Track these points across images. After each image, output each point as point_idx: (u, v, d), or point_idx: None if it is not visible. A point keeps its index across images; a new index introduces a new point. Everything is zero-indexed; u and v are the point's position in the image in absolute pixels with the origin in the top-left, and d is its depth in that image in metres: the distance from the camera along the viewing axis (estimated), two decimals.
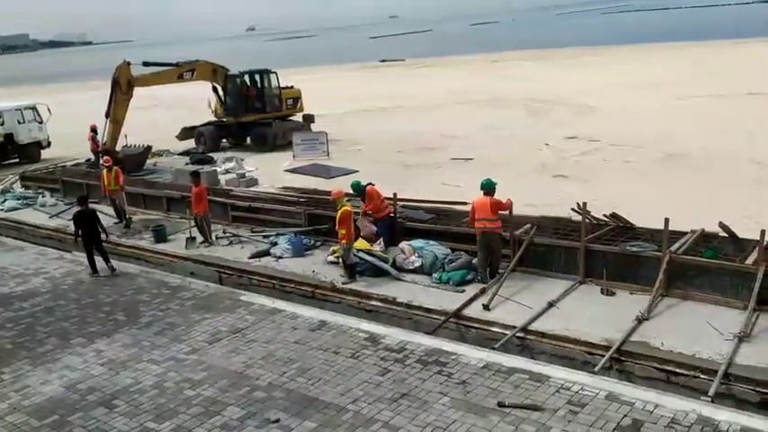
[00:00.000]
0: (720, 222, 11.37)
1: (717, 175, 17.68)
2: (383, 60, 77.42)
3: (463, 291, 11.61)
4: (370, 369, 9.13)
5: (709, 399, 7.96)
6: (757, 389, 8.28)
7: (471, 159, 21.89)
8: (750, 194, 15.43)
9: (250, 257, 14.31)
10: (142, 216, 18.26)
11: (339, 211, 12.59)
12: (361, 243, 13.12)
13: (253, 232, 15.84)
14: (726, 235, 11.37)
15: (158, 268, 14.66)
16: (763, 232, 10.07)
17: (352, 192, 14.07)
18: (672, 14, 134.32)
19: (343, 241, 12.56)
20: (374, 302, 11.86)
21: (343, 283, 12.51)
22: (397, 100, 38.83)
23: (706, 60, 46.04)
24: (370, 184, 13.93)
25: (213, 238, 15.53)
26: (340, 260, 12.96)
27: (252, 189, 19.40)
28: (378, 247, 13.29)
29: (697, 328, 9.57)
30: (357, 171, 20.33)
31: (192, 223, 15.57)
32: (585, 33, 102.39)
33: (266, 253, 14.39)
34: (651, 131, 23.63)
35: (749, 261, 10.28)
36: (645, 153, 20.78)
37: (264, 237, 15.35)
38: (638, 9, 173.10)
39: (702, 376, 8.59)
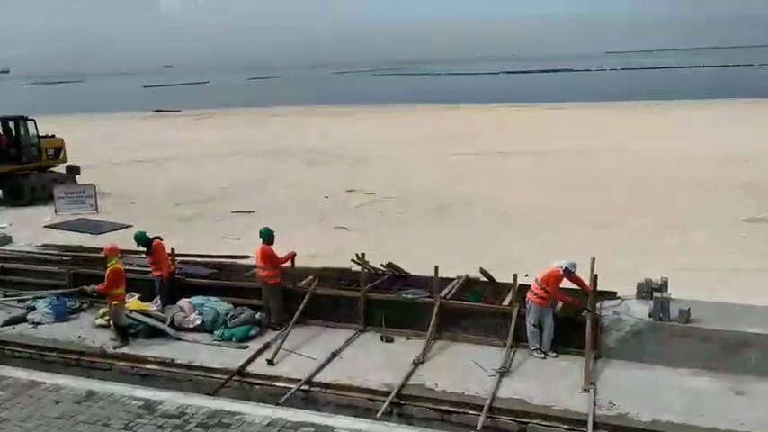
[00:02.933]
0: (481, 268, 12.55)
1: (483, 223, 19.50)
2: (158, 110, 74.55)
3: (246, 347, 11.37)
4: None
5: None
6: (517, 419, 9.16)
7: (252, 212, 21.79)
8: (504, 239, 17.25)
9: (2, 325, 12.69)
10: None
11: (108, 269, 11.71)
12: (134, 303, 12.31)
13: (5, 296, 14.08)
14: (486, 279, 12.56)
15: None
16: (515, 276, 11.30)
17: (135, 244, 13.21)
18: (437, 80, 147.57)
19: (114, 302, 11.68)
20: (150, 366, 11.13)
21: (114, 348, 11.57)
22: (171, 149, 37.59)
23: (472, 119, 51.11)
24: (158, 237, 13.20)
25: None
26: (110, 323, 12.01)
27: (5, 248, 17.29)
28: (154, 306, 12.57)
29: (466, 367, 10.37)
30: (131, 226, 19.14)
31: None
32: (364, 91, 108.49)
33: (22, 319, 12.87)
34: (422, 184, 25.51)
35: (506, 302, 11.46)
36: (417, 204, 22.33)
37: (20, 301, 13.73)
38: (407, 73, 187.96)
39: (471, 412, 9.29)
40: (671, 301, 10.36)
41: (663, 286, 10.93)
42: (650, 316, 10.43)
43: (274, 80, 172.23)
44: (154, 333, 11.88)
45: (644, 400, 9.18)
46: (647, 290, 11.04)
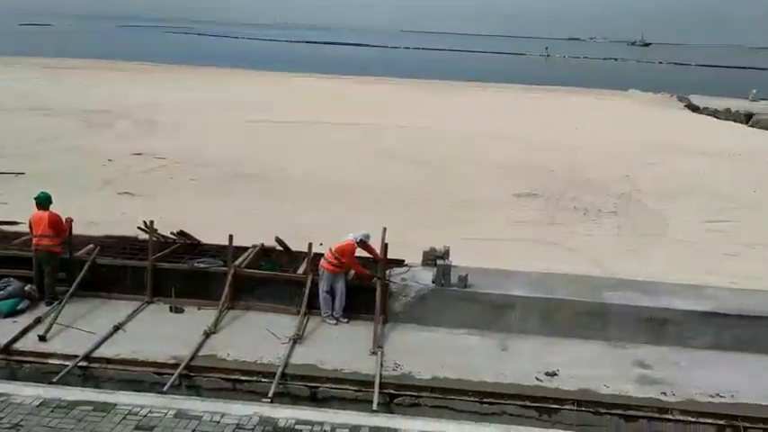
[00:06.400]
0: (276, 237, 12.55)
1: (279, 191, 19.41)
2: None
3: (15, 322, 10.26)
4: None
5: (269, 399, 8.67)
6: (308, 384, 9.38)
7: (23, 174, 19.57)
8: (310, 209, 17.38)
9: None
10: None
11: None
12: None
13: None
14: (281, 248, 12.59)
15: None
16: (310, 245, 11.46)
17: None
18: (233, 43, 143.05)
19: None
20: None
21: None
22: None
23: (276, 87, 50.26)
24: None
25: None
26: None
27: None
28: None
29: (259, 336, 10.35)
30: None
31: None
32: (150, 49, 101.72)
33: None
34: (216, 150, 24.69)
35: (300, 271, 11.59)
36: (212, 171, 21.61)
37: None
38: (201, 33, 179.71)
39: (264, 380, 9.32)
40: (452, 268, 11.20)
41: (445, 254, 11.77)
42: (433, 282, 11.20)
43: (49, 29, 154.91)
44: None
45: (425, 360, 9.87)
46: (431, 258, 11.82)
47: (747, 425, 8.88)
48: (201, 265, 11.70)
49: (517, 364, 9.93)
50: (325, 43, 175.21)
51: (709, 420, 8.96)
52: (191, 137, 27.63)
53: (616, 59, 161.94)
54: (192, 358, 9.57)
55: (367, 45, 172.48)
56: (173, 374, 9.20)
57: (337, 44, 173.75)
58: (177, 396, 8.69)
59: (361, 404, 9.06)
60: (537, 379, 9.53)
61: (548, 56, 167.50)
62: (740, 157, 29.25)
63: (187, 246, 12.69)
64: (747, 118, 42.98)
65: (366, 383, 9.30)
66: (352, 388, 9.36)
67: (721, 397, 9.25)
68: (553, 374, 9.63)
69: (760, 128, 40.10)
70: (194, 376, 9.45)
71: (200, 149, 24.74)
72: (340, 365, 9.63)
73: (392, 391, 9.32)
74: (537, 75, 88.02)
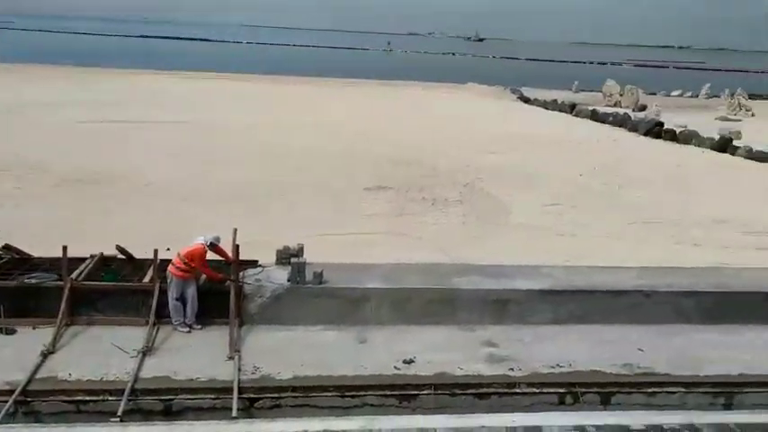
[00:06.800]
0: (117, 245, 11.82)
1: (121, 197, 18.21)
2: None
3: None
4: None
5: (119, 419, 8.17)
6: (161, 398, 8.95)
7: None
8: (146, 214, 16.50)
9: None
10: None
11: None
12: None
13: None
14: (123, 257, 11.88)
15: None
16: (156, 251, 10.92)
17: None
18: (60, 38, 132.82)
19: None
20: None
21: None
22: None
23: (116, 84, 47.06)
24: None
25: None
26: None
27: None
28: None
29: (104, 352, 9.71)
30: None
31: None
32: None
33: None
34: (45, 154, 22.74)
35: (146, 279, 11.01)
36: (38, 177, 19.89)
37: None
38: (22, 29, 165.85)
39: (111, 398, 8.76)
40: (306, 266, 11.18)
41: (299, 252, 11.71)
42: (288, 281, 11.11)
43: None
44: None
45: (284, 360, 9.78)
46: (285, 256, 11.72)
47: (584, 390, 9.71)
48: (33, 281, 10.76)
49: (375, 355, 10.12)
50: (162, 38, 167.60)
51: (552, 390, 9.70)
52: (13, 140, 25.23)
53: (454, 54, 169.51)
54: (29, 382, 8.80)
55: (207, 40, 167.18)
56: (7, 402, 8.39)
57: (174, 39, 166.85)
58: (15, 425, 7.96)
59: (220, 412, 8.82)
60: (395, 368, 9.79)
61: (390, 51, 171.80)
62: (568, 144, 31.78)
63: (16, 261, 11.61)
64: (572, 108, 46.78)
65: (224, 390, 9.05)
66: (209, 396, 9.08)
67: (561, 367, 10.03)
68: (410, 362, 9.94)
69: (582, 117, 43.81)
70: (32, 401, 8.70)
71: (23, 154, 22.64)
72: (195, 374, 9.29)
73: (252, 395, 9.15)
74: (380, 69, 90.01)
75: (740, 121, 44.42)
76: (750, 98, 55.22)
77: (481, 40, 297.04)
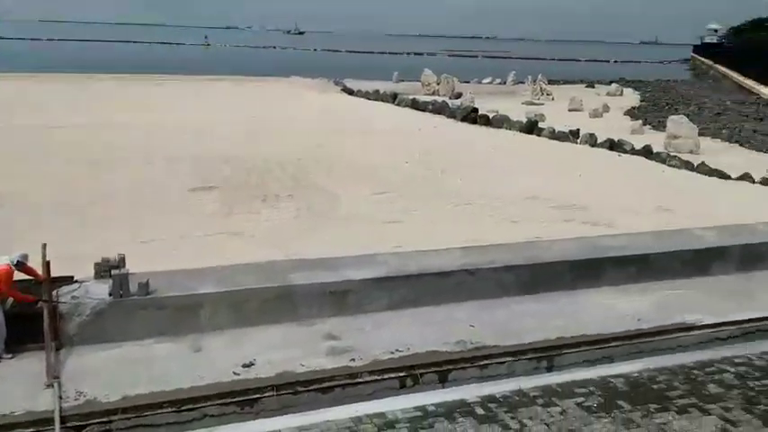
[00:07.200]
0: None
1: None
2: None
3: None
4: None
5: None
6: None
7: None
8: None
9: None
10: None
11: None
12: None
13: None
14: None
15: None
16: None
17: None
18: None
19: None
20: None
21: None
22: None
23: None
24: None
25: None
26: None
27: None
28: None
29: None
30: None
31: None
32: None
33: None
34: None
35: None
36: None
37: None
38: None
39: None
40: (130, 276, 10.45)
41: (121, 263, 10.91)
42: (110, 295, 10.33)
43: None
44: None
45: (113, 380, 9.09)
46: (105, 269, 10.85)
47: (423, 371, 10.05)
48: None
49: (212, 363, 9.74)
50: None
51: (393, 375, 9.92)
52: None
53: (275, 47, 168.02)
54: None
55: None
56: None
57: None
58: None
59: None
60: (234, 373, 9.48)
61: (208, 45, 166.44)
62: (393, 132, 32.75)
63: None
64: (393, 98, 48.23)
65: (44, 421, 8.24)
66: (28, 430, 8.20)
67: (400, 352, 10.30)
68: (250, 365, 9.68)
69: (404, 106, 45.38)
70: None
71: None
72: (9, 408, 8.36)
73: (77, 423, 8.40)
74: (198, 64, 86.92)
75: (543, 104, 48.39)
76: (549, 83, 60.43)
77: (301, 33, 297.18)
